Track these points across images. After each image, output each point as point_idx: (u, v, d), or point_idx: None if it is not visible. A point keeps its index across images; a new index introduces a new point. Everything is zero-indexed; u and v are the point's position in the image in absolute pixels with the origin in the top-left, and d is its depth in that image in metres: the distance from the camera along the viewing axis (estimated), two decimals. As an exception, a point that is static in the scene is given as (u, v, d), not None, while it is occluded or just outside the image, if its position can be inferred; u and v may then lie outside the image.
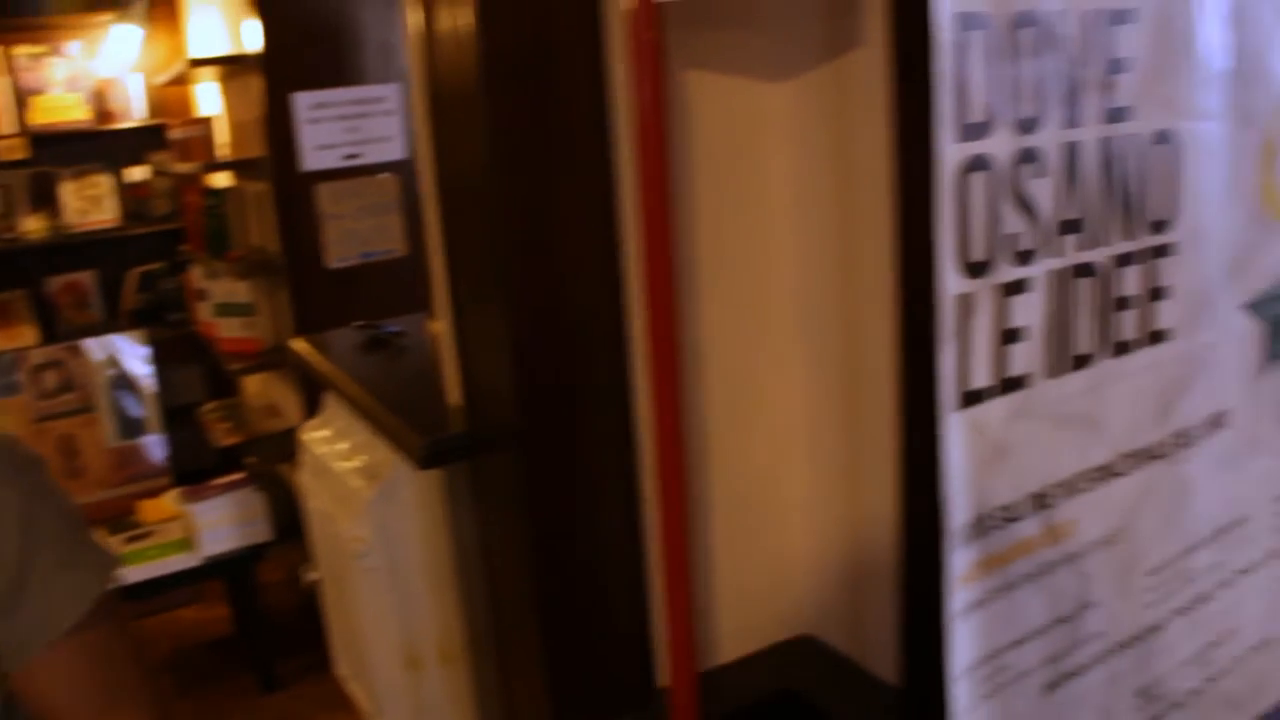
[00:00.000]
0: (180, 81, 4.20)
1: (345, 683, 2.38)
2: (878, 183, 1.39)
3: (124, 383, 3.46)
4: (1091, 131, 1.27)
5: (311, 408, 2.70)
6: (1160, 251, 1.39)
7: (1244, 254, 1.51)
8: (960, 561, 1.24)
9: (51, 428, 3.34)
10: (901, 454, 1.44)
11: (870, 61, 1.37)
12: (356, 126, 3.15)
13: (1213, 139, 1.41)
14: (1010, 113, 1.19)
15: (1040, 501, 1.32)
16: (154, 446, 3.49)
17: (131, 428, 3.47)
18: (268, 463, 3.41)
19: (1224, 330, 1.51)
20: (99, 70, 4.62)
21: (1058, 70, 1.22)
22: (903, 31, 1.29)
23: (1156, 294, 1.40)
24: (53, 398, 3.34)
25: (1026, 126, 1.20)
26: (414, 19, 1.55)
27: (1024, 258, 1.23)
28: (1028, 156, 1.21)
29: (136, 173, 4.77)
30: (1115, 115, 1.29)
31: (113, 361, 3.44)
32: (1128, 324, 1.37)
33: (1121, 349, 1.37)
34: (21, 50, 4.51)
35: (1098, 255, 1.32)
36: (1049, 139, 1.23)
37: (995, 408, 1.24)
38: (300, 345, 2.44)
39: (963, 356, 1.20)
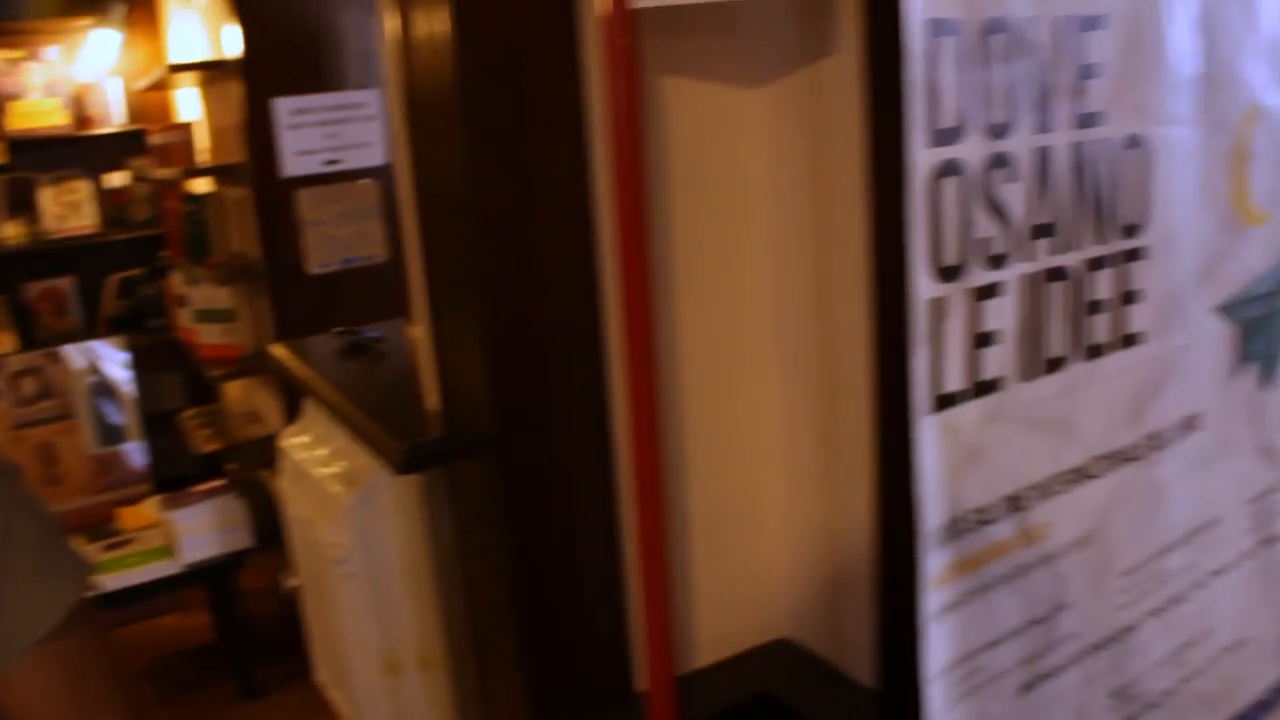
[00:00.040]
0: (160, 87, 4.19)
1: (325, 689, 2.38)
2: (852, 188, 1.39)
3: (103, 389, 3.44)
4: (1063, 136, 1.28)
5: (292, 414, 2.69)
6: (1132, 255, 1.40)
7: (1215, 258, 1.52)
8: (934, 564, 1.25)
9: (30, 435, 3.32)
10: (876, 457, 1.45)
11: (844, 67, 1.38)
12: (337, 132, 3.15)
13: (1183, 144, 1.43)
14: (982, 118, 1.20)
15: (1014, 504, 1.33)
16: (134, 453, 3.47)
17: (111, 434, 3.45)
18: (248, 469, 3.40)
19: (1196, 333, 1.52)
20: (78, 75, 4.60)
21: (1029, 76, 1.23)
22: (874, 38, 1.30)
23: (1128, 298, 1.41)
24: (31, 405, 3.32)
25: (998, 132, 1.21)
26: (391, 25, 1.56)
27: (996, 262, 1.24)
28: (999, 161, 1.22)
29: (116, 178, 4.74)
30: (1086, 120, 1.30)
31: (92, 368, 3.42)
32: (1100, 327, 1.38)
33: (1094, 352, 1.39)
34: (-1, 55, 4.49)
35: (1070, 259, 1.33)
36: (1020, 144, 1.24)
37: (968, 411, 1.25)
38: (279, 351, 2.43)
39: (936, 360, 1.21)
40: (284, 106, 3.03)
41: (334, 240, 3.27)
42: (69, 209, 4.64)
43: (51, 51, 4.57)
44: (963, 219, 1.20)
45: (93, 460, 3.40)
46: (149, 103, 4.58)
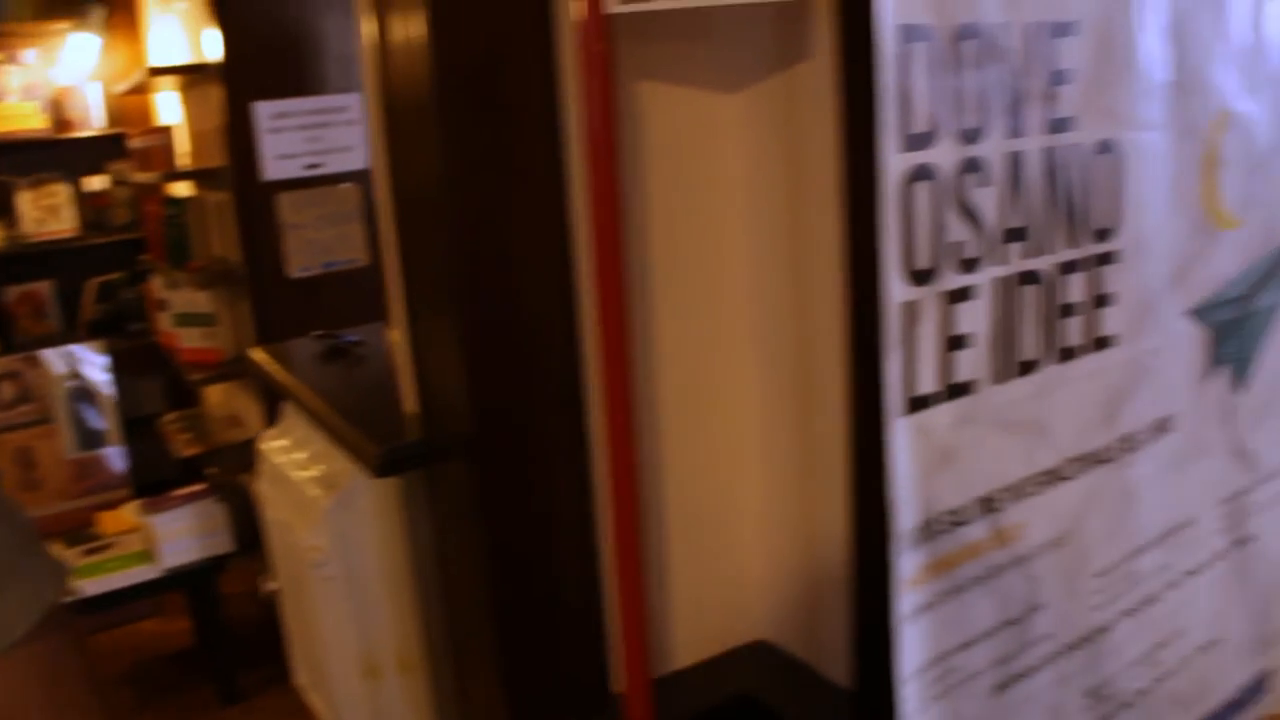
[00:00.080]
0: (140, 90, 4.17)
1: (304, 692, 2.37)
2: (827, 192, 1.40)
3: (83, 394, 3.42)
4: (1035, 141, 1.30)
5: (273, 418, 2.68)
6: (1104, 259, 1.41)
7: (1187, 262, 1.54)
8: (908, 565, 1.26)
9: (9, 439, 3.30)
10: (851, 459, 1.46)
11: (819, 72, 1.39)
12: (318, 136, 3.15)
13: (1154, 149, 1.44)
14: (954, 123, 1.21)
15: (988, 505, 1.34)
16: (114, 458, 3.46)
17: (91, 439, 3.43)
18: (229, 473, 3.39)
19: (1168, 336, 1.54)
20: (56, 78, 4.58)
21: (1001, 81, 1.25)
22: (847, 43, 1.31)
23: (1101, 301, 1.42)
24: (10, 409, 3.30)
25: (970, 136, 1.23)
26: (368, 30, 1.56)
27: (969, 265, 1.25)
28: (972, 166, 1.23)
29: (95, 182, 4.72)
30: (1058, 126, 1.32)
31: (72, 372, 3.40)
32: (1073, 330, 1.40)
33: (1067, 355, 1.40)
34: (-23, 58, 4.47)
35: (1042, 263, 1.34)
36: (993, 149, 1.25)
37: (942, 413, 1.26)
38: (259, 355, 2.43)
39: (909, 363, 1.22)
40: (264, 110, 3.03)
41: (315, 244, 3.26)
42: (48, 213, 4.61)
43: (30, 54, 4.55)
44: (935, 223, 1.21)
45: (72, 465, 3.39)
46: (129, 106, 4.56)
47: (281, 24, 3.17)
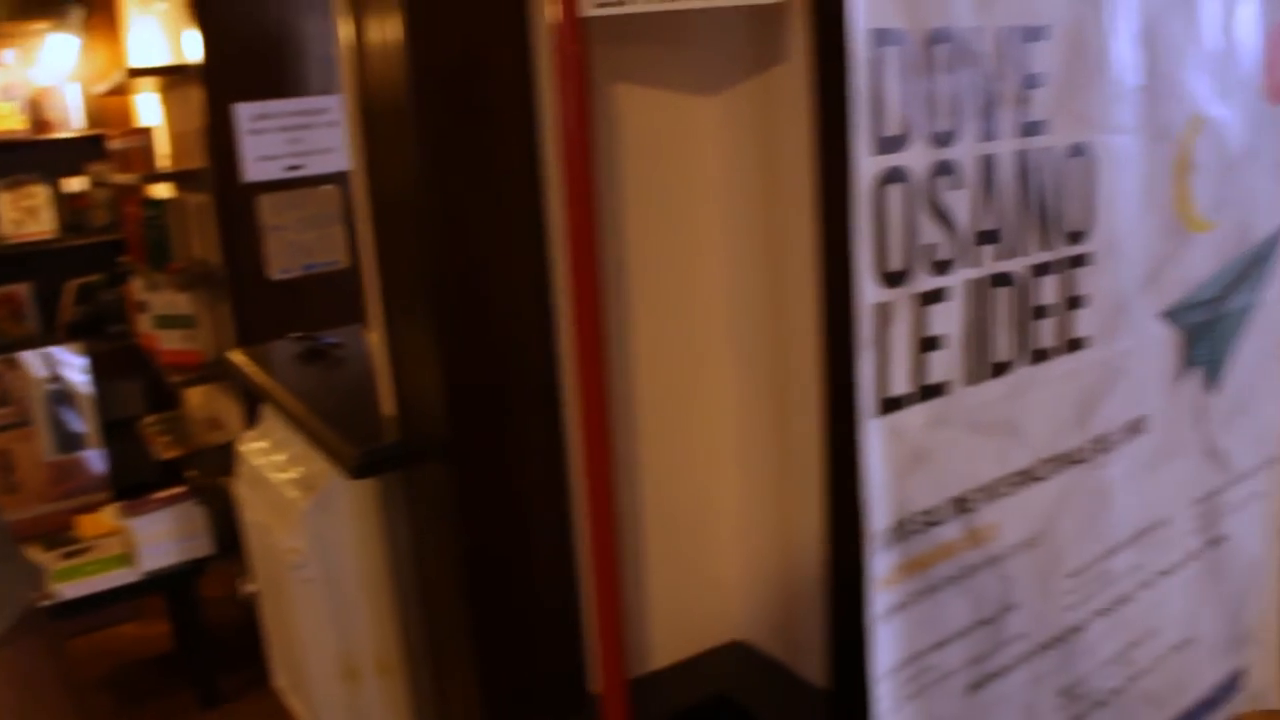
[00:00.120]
0: (119, 91, 4.15)
1: (284, 695, 2.37)
2: (802, 194, 1.41)
3: (62, 396, 3.41)
4: (1007, 145, 1.31)
5: (254, 420, 2.68)
6: (1077, 261, 1.43)
7: (1159, 264, 1.55)
8: (881, 565, 1.26)
9: (-14, 442, 3.28)
10: (826, 460, 1.47)
11: (794, 76, 1.40)
12: (299, 138, 3.14)
13: (1127, 152, 1.46)
14: (926, 126, 1.22)
15: (961, 506, 1.35)
16: (93, 460, 3.44)
17: (70, 442, 3.42)
18: (209, 476, 3.37)
19: (1141, 338, 1.55)
20: (35, 79, 4.56)
21: (973, 85, 1.26)
22: (821, 47, 1.32)
23: (1074, 303, 1.43)
24: (-12, 412, 3.29)
25: (943, 139, 1.23)
26: (345, 32, 1.56)
27: (942, 267, 1.26)
28: (944, 169, 1.24)
29: (74, 183, 4.70)
30: (1030, 129, 1.33)
31: (52, 375, 3.38)
32: (1046, 332, 1.41)
33: (1040, 356, 1.41)
34: (-46, 58, 4.44)
35: (1015, 265, 1.35)
36: (965, 152, 1.26)
37: (914, 414, 1.27)
38: (238, 357, 2.43)
39: (882, 364, 1.23)
40: (245, 112, 3.02)
41: (295, 246, 3.26)
42: (26, 214, 4.59)
43: (8, 55, 4.53)
44: (908, 225, 1.22)
45: (51, 467, 3.37)
46: (108, 107, 4.54)
47: (262, 25, 3.16)
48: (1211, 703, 1.81)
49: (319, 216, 3.27)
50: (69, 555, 3.05)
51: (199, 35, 3.04)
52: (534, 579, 1.58)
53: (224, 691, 3.18)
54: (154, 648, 3.49)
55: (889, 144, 1.18)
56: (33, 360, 3.36)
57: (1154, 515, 1.63)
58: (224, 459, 3.05)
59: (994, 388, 1.36)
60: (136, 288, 3.96)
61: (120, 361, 4.29)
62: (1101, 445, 1.52)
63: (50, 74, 4.56)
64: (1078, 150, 1.38)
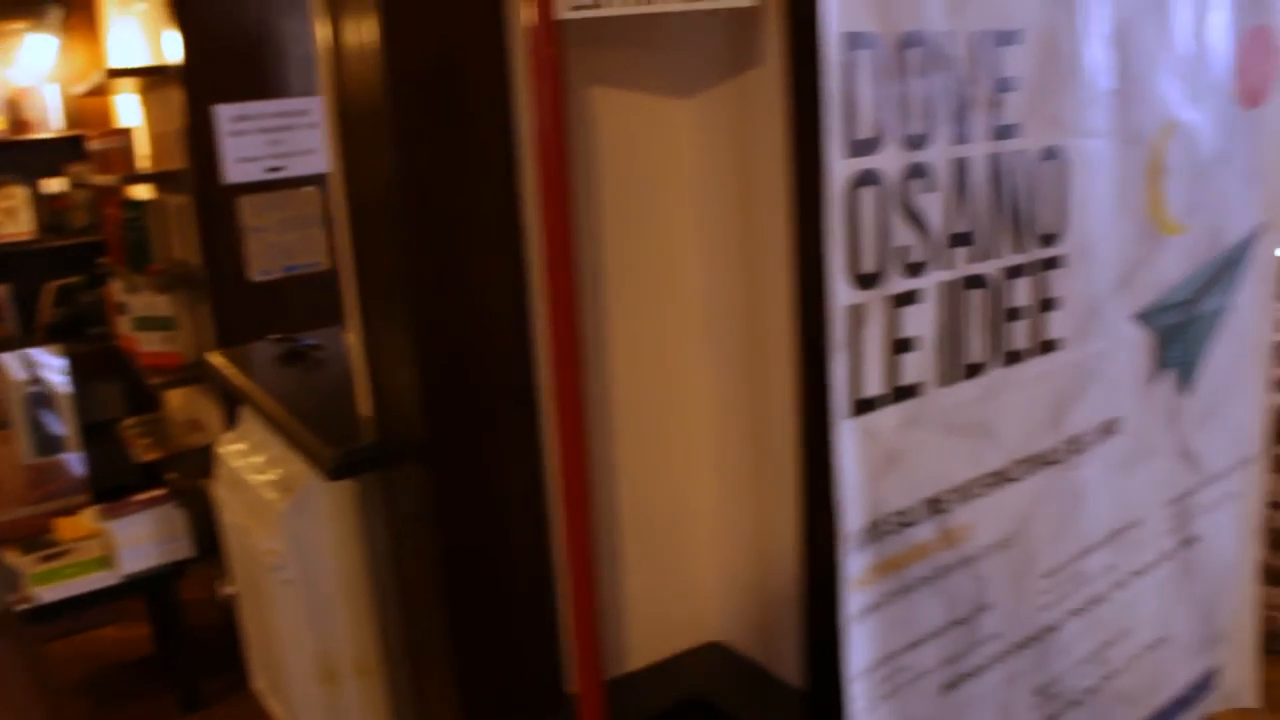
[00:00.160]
0: (99, 92, 4.14)
1: (262, 697, 2.36)
2: (776, 197, 1.42)
3: (41, 398, 3.39)
4: (980, 148, 1.32)
5: (234, 422, 2.67)
6: (1050, 264, 1.44)
7: (1132, 267, 1.56)
8: (855, 565, 1.27)
9: (-35, 445, 3.27)
10: (800, 461, 1.47)
11: (768, 79, 1.41)
12: (279, 139, 3.13)
13: (1099, 156, 1.47)
14: (899, 129, 1.23)
15: (935, 506, 1.36)
16: (72, 463, 3.42)
17: (49, 444, 3.40)
18: (189, 478, 3.36)
19: (1114, 340, 1.56)
20: (13, 79, 4.54)
21: (946, 88, 1.27)
22: (794, 50, 1.33)
23: (1047, 305, 1.44)
24: (-35, 414, 3.27)
25: (915, 143, 1.24)
26: (322, 33, 1.56)
27: (914, 270, 1.27)
28: (917, 172, 1.25)
29: (54, 184, 4.68)
30: (1003, 132, 1.34)
31: (31, 377, 3.37)
32: (1019, 334, 1.42)
33: (1013, 358, 1.42)
34: (-68, 58, 4.42)
35: (988, 267, 1.36)
36: (938, 155, 1.27)
37: (888, 415, 1.28)
38: (217, 359, 2.42)
39: (855, 365, 1.23)
40: (225, 113, 3.01)
41: (276, 248, 3.25)
42: (4, 215, 4.57)
43: (-14, 55, 4.51)
44: (881, 228, 1.23)
45: (30, 470, 3.35)
46: (88, 108, 4.52)
47: (242, 26, 3.15)
48: (1185, 701, 1.83)
49: (300, 218, 3.27)
50: (48, 558, 3.03)
51: (179, 36, 3.03)
52: (511, 580, 1.59)
53: (205, 695, 3.17)
54: (134, 651, 3.48)
55: (862, 147, 1.19)
56: (11, 362, 3.34)
57: (1128, 516, 1.64)
58: (204, 461, 3.04)
59: (967, 389, 1.37)
60: (116, 289, 3.95)
61: (100, 363, 4.27)
62: (1075, 446, 1.53)
63: (29, 74, 4.54)
64: (1050, 153, 1.39)
